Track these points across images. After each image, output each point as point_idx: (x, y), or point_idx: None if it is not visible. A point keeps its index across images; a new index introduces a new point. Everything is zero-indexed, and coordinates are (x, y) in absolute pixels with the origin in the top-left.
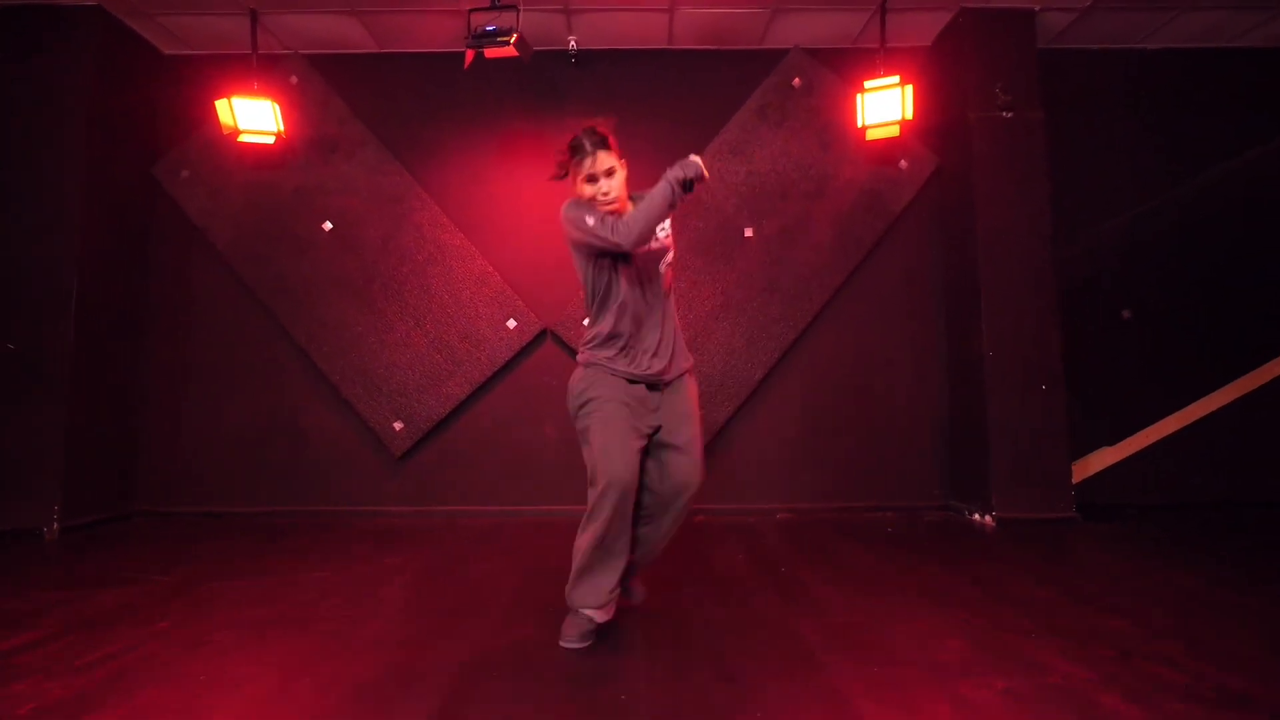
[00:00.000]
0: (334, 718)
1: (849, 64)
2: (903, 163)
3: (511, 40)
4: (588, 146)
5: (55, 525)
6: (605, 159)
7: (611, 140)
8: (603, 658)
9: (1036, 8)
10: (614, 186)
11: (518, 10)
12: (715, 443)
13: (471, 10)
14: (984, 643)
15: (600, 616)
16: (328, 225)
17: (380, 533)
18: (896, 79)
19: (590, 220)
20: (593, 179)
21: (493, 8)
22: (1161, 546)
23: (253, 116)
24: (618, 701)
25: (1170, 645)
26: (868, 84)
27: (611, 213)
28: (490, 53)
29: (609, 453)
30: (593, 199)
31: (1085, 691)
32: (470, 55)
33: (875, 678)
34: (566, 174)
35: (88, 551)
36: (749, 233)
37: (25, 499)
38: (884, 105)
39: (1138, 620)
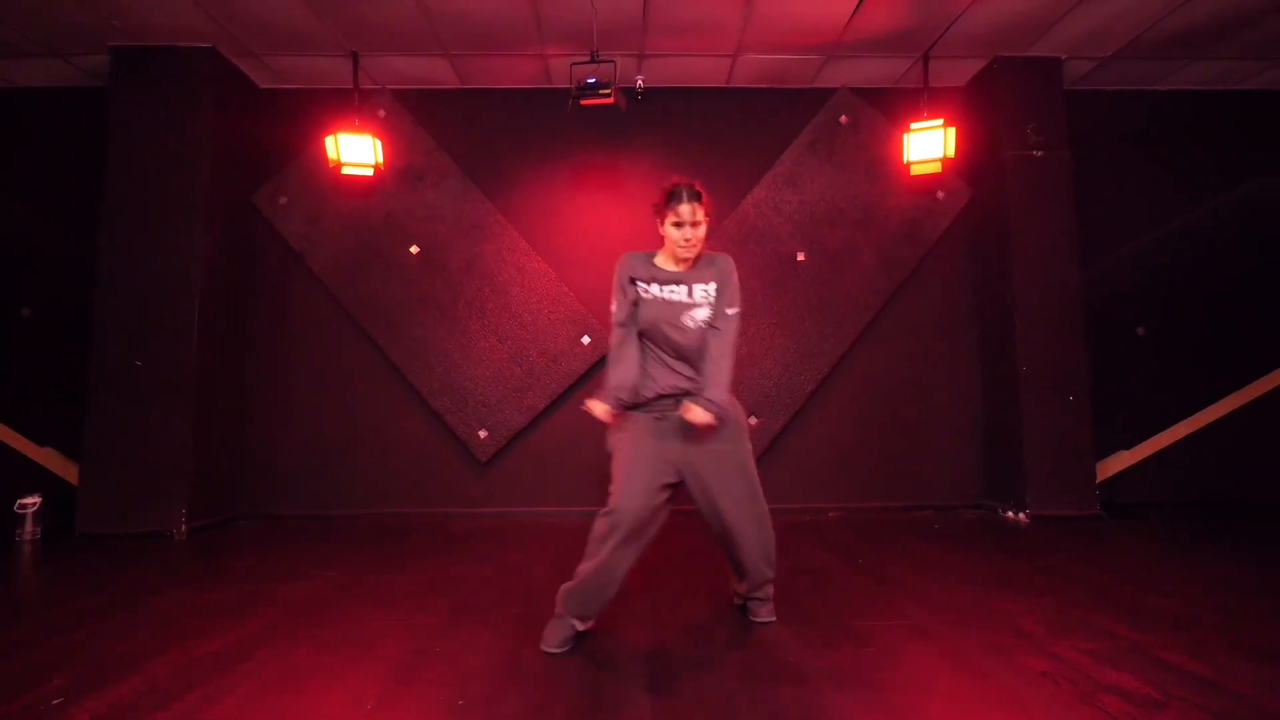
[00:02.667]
0: (562, 678)
1: (891, 102)
2: (940, 194)
3: (609, 92)
4: (685, 196)
5: (184, 527)
6: (695, 211)
7: (705, 198)
8: (759, 630)
9: (1063, 56)
10: (696, 236)
11: (615, 64)
12: (773, 447)
13: (574, 64)
14: (1058, 617)
15: (582, 625)
16: (414, 249)
17: (475, 533)
18: (940, 121)
19: (613, 305)
20: (678, 225)
21: (592, 61)
22: (1185, 539)
23: (354, 150)
24: (789, 661)
25: (1213, 616)
26: (914, 125)
27: (683, 260)
28: (586, 102)
29: None
30: (675, 242)
31: (1153, 650)
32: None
33: (980, 643)
34: (660, 213)
35: (225, 551)
36: (801, 257)
37: (158, 503)
38: (928, 144)
39: (1182, 597)
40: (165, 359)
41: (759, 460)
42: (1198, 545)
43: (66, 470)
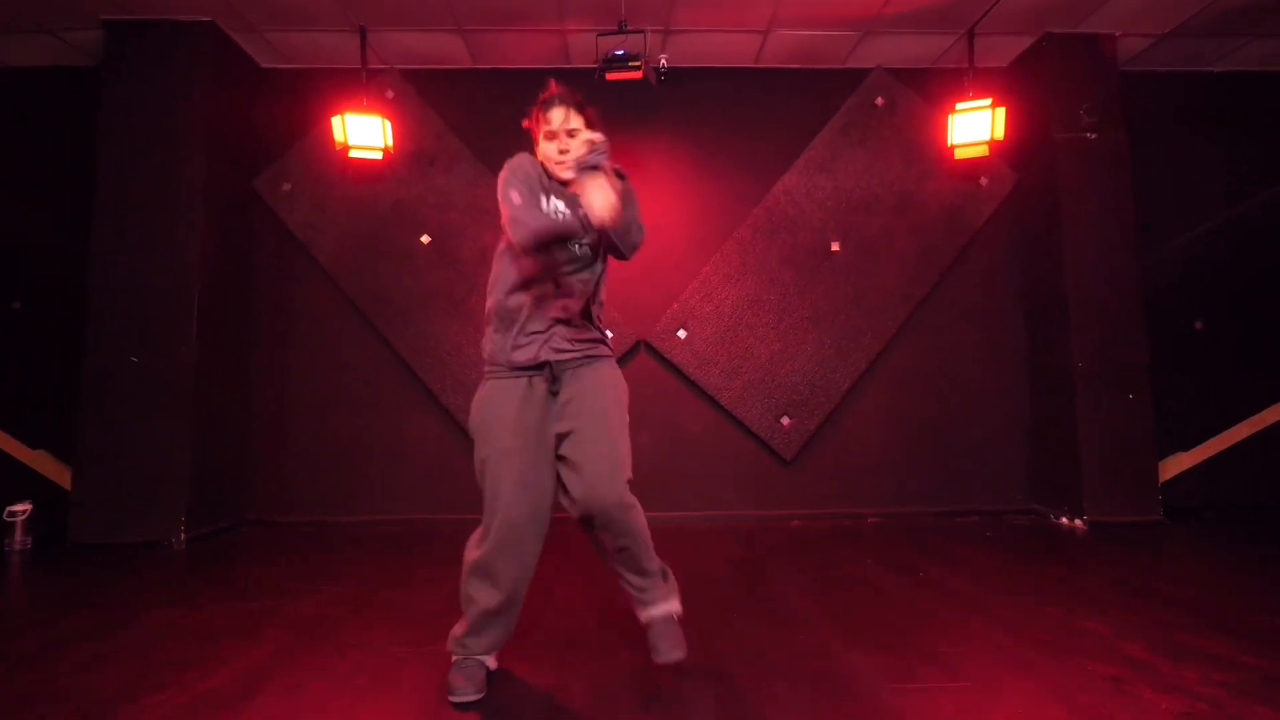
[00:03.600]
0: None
1: (929, 83)
2: (983, 179)
3: (639, 65)
4: (555, 101)
5: (182, 536)
6: (569, 118)
7: (589, 110)
8: (824, 654)
9: (1118, 33)
10: (573, 146)
11: (645, 35)
12: (806, 449)
13: (600, 34)
14: (1164, 641)
15: (492, 663)
16: (426, 238)
17: None
18: (989, 101)
19: (517, 198)
20: (551, 136)
21: (619, 32)
22: (1260, 546)
23: (363, 132)
24: (878, 698)
25: None
26: (959, 105)
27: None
28: (613, 76)
29: None
30: (549, 158)
31: (1232, 655)
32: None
33: (1089, 674)
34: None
35: (226, 562)
36: (836, 246)
37: (155, 511)
38: (975, 126)
39: (1255, 604)
40: (162, 355)
41: (793, 462)
42: (1268, 551)
43: (60, 474)
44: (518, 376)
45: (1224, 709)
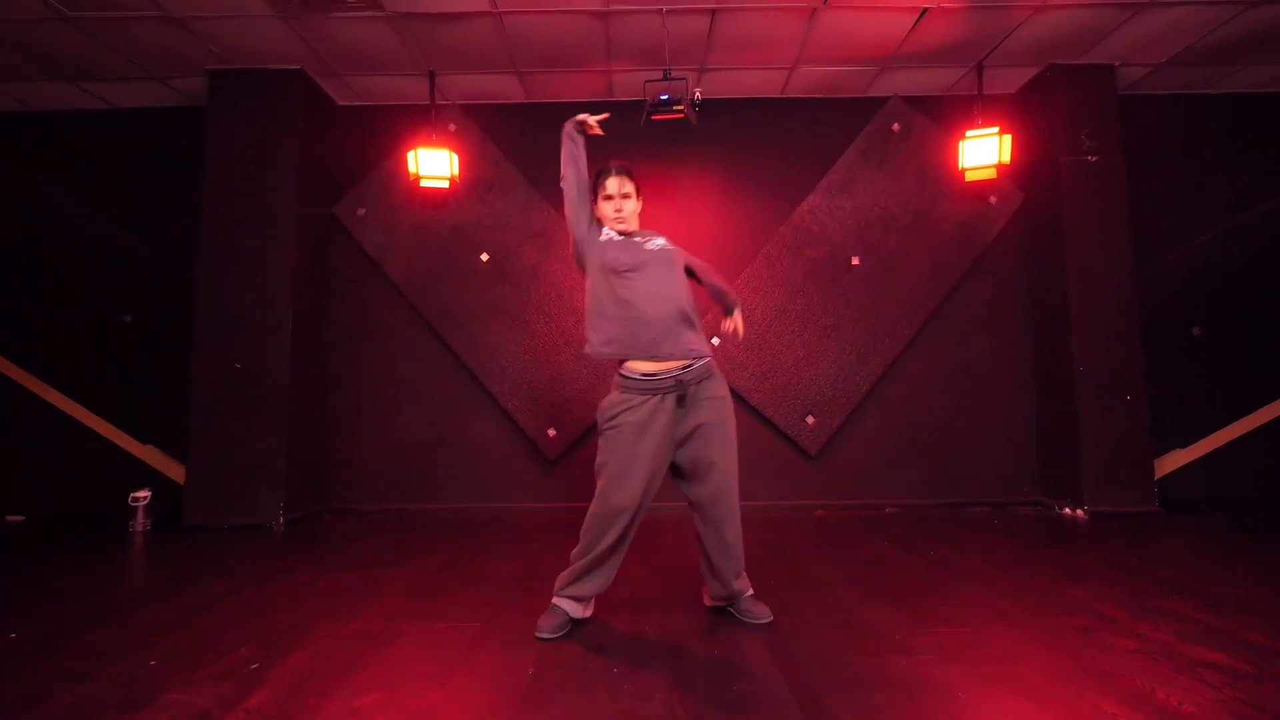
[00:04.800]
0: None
1: (943, 110)
2: (992, 198)
3: (683, 108)
4: (611, 170)
5: (281, 520)
6: (623, 184)
7: (634, 175)
8: (854, 612)
9: (1116, 63)
10: (627, 208)
11: (687, 81)
12: (830, 445)
13: (648, 81)
14: (1135, 604)
15: (578, 613)
16: (485, 257)
17: (546, 525)
18: (996, 129)
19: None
20: (608, 198)
21: (664, 79)
22: (1245, 534)
23: (433, 164)
24: (894, 637)
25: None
26: (969, 133)
27: (621, 232)
28: (658, 116)
29: None
30: (606, 216)
31: (1235, 633)
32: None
33: (1065, 624)
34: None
35: (324, 541)
36: (856, 261)
37: (257, 498)
38: (983, 151)
39: (1248, 587)
40: (261, 363)
41: (817, 457)
42: (1261, 541)
43: (167, 466)
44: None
45: (1168, 648)
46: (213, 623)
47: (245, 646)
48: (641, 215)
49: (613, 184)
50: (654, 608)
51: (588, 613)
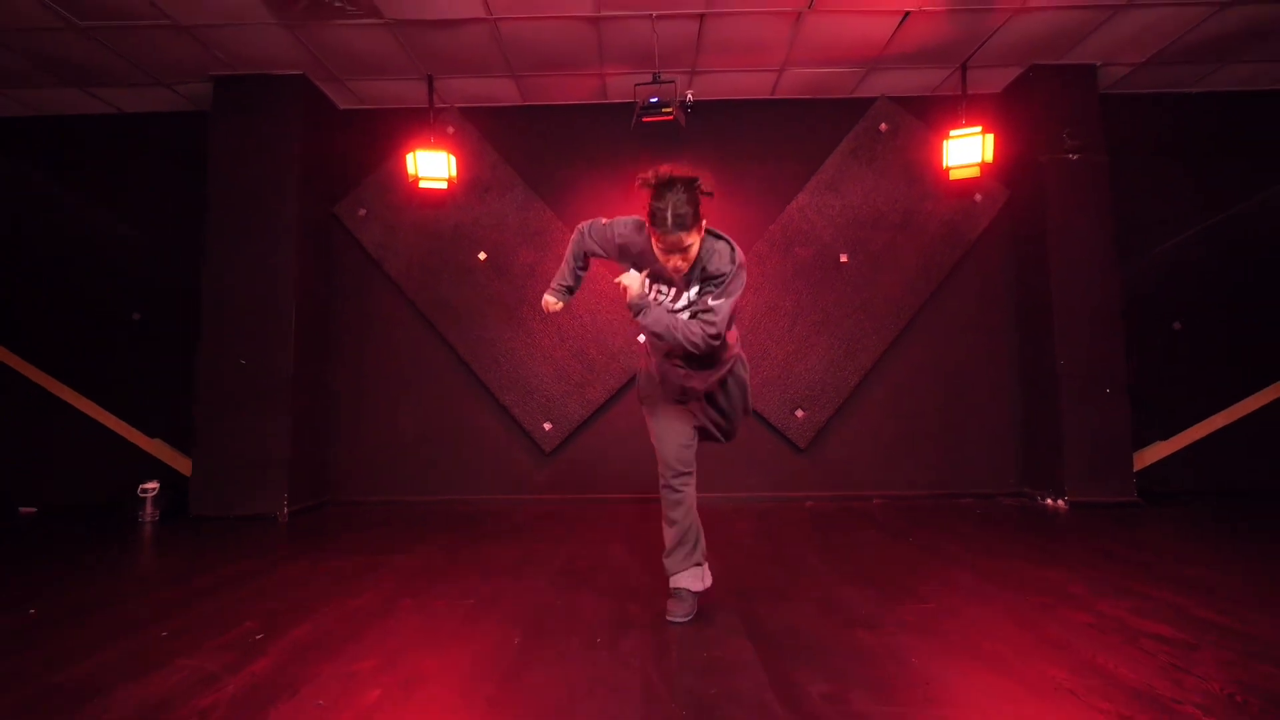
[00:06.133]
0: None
1: (929, 109)
2: (978, 196)
3: (671, 110)
4: (670, 223)
5: (285, 510)
6: (682, 241)
7: (698, 214)
8: (829, 590)
9: (1098, 63)
10: (687, 261)
11: (676, 84)
12: (819, 438)
13: (638, 84)
14: (1100, 584)
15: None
16: (482, 255)
17: (542, 516)
18: (979, 129)
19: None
20: (665, 252)
21: (654, 82)
22: (1220, 523)
23: (431, 166)
24: (862, 612)
25: (1241, 583)
26: (953, 132)
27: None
28: (649, 119)
29: None
30: (663, 265)
31: (1186, 609)
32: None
33: (1029, 602)
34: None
35: (326, 531)
36: (844, 258)
37: (261, 490)
38: (967, 150)
39: (1213, 569)
40: (266, 359)
41: (807, 450)
42: (1232, 528)
43: (174, 459)
44: None
45: (1120, 622)
46: (219, 602)
47: (250, 621)
48: (633, 211)
49: (672, 241)
50: (641, 593)
51: (708, 582)
